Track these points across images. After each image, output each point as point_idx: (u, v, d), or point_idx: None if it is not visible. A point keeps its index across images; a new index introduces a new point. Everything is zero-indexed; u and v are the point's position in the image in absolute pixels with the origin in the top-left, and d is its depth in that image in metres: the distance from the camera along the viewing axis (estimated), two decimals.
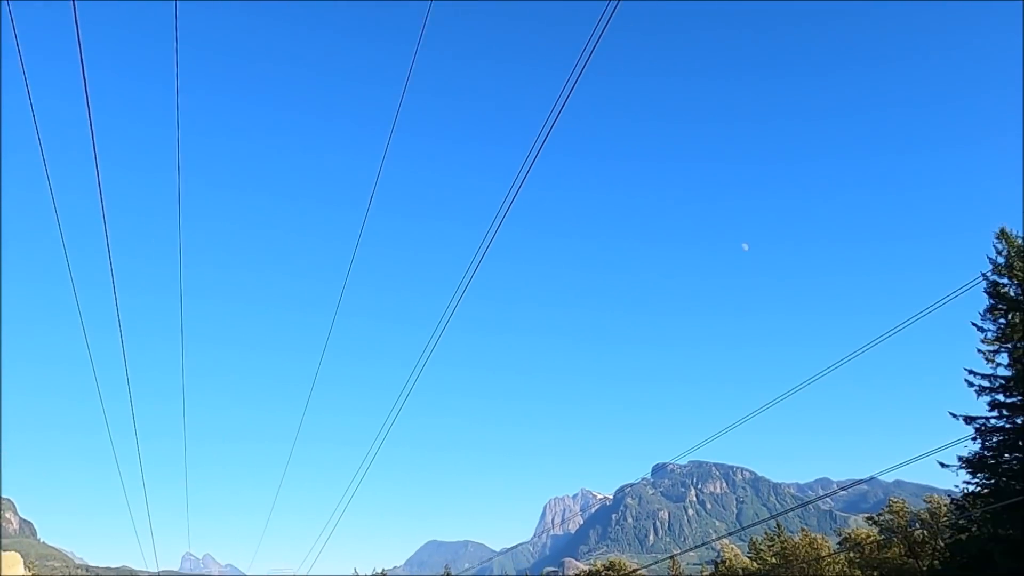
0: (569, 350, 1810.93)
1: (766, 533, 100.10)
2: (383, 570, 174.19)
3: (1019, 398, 44.58)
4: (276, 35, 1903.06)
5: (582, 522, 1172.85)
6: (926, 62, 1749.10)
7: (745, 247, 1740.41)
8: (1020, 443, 44.88)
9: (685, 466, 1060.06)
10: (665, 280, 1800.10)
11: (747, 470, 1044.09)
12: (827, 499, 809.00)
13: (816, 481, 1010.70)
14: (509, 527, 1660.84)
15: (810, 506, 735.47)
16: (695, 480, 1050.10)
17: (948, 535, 60.42)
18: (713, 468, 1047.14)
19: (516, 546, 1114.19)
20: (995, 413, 45.59)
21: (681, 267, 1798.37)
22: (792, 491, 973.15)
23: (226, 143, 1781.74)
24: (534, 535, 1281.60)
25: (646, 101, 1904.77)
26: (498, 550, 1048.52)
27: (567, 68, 11.68)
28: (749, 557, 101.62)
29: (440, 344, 19.02)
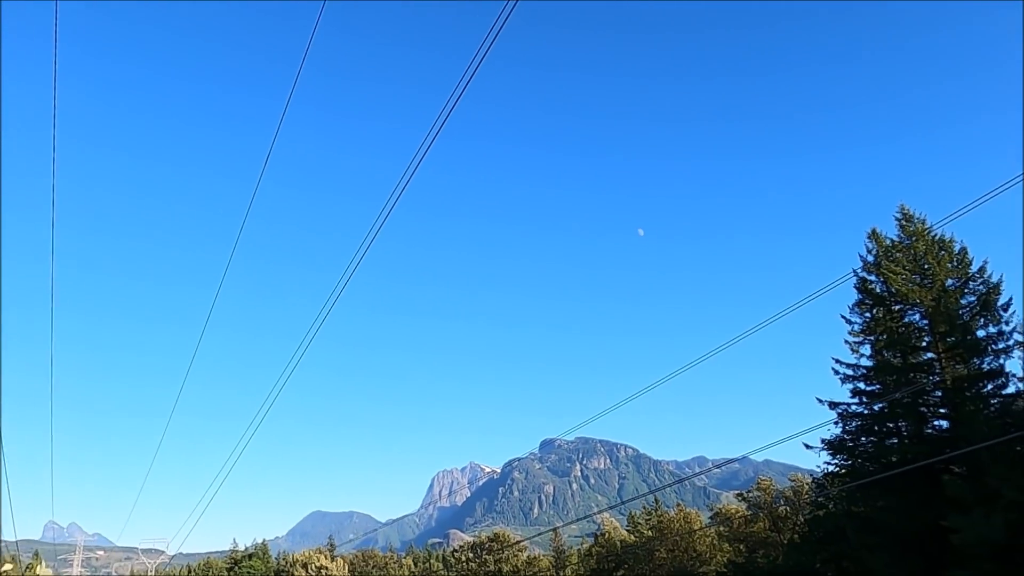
0: (461, 329, 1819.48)
1: (644, 507, 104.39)
2: (263, 540, 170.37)
3: (878, 387, 48.10)
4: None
5: (469, 495, 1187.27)
6: (814, 69, 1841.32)
7: (641, 232, 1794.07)
8: (876, 428, 48.53)
9: (572, 442, 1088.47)
10: (558, 262, 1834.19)
11: (630, 447, 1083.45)
12: (702, 476, 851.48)
13: (693, 459, 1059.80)
14: (396, 499, 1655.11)
15: (687, 482, 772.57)
16: (581, 456, 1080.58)
17: (808, 511, 64.86)
18: (598, 444, 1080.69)
19: (402, 517, 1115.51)
20: (856, 400, 48.97)
21: (574, 250, 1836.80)
22: (671, 468, 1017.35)
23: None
24: (421, 507, 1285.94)
25: (551, 94, 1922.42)
26: (384, 521, 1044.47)
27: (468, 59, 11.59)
28: (627, 530, 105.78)
29: (331, 319, 18.68)
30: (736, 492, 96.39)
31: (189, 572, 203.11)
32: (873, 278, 48.71)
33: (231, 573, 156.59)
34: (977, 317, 45.25)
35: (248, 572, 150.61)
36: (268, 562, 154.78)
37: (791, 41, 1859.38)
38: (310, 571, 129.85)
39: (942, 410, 45.36)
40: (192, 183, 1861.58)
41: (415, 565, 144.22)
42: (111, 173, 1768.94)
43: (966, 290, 46.13)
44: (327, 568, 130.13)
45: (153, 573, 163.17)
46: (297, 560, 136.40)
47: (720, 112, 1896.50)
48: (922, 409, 45.77)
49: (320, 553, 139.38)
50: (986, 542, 33.94)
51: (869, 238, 49.86)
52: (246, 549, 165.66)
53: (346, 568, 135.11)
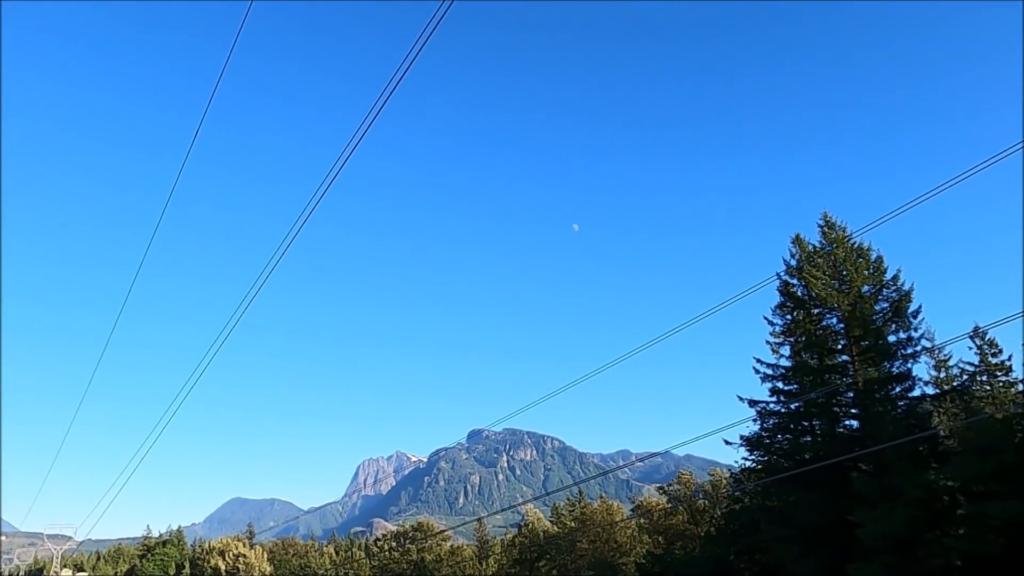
0: (389, 318, 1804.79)
1: (568, 499, 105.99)
2: (179, 527, 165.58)
3: (795, 386, 50.01)
4: None
5: (395, 484, 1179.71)
6: (749, 76, 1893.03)
7: (575, 227, 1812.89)
8: (791, 426, 50.47)
9: (500, 433, 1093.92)
10: (490, 253, 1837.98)
11: (557, 439, 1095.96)
12: (625, 469, 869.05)
13: (618, 452, 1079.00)
14: (320, 487, 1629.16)
15: (610, 475, 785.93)
16: (508, 447, 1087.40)
17: (725, 505, 67.02)
18: (526, 436, 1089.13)
19: (325, 505, 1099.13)
20: (774, 399, 50.81)
21: (507, 242, 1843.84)
22: (596, 461, 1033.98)
23: None
24: (345, 495, 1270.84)
25: (486, 93, 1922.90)
26: (306, 509, 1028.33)
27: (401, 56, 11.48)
28: (551, 521, 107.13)
29: (256, 303, 18.24)
30: (658, 485, 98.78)
31: (98, 559, 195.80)
32: (795, 282, 50.52)
33: (143, 560, 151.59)
34: (889, 323, 47.49)
35: (161, 559, 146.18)
36: (183, 549, 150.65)
37: (729, 48, 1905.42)
38: (227, 559, 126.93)
39: (853, 410, 47.49)
40: (114, 165, 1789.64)
41: (336, 554, 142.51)
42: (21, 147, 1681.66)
43: (880, 297, 48.35)
44: (245, 556, 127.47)
45: (59, 560, 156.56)
46: (214, 547, 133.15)
47: (655, 116, 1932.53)
48: (835, 409, 47.81)
49: (238, 540, 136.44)
50: (888, 536, 35.77)
51: (793, 243, 51.65)
52: (160, 536, 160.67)
53: (265, 556, 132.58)
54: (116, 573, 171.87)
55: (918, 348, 47.24)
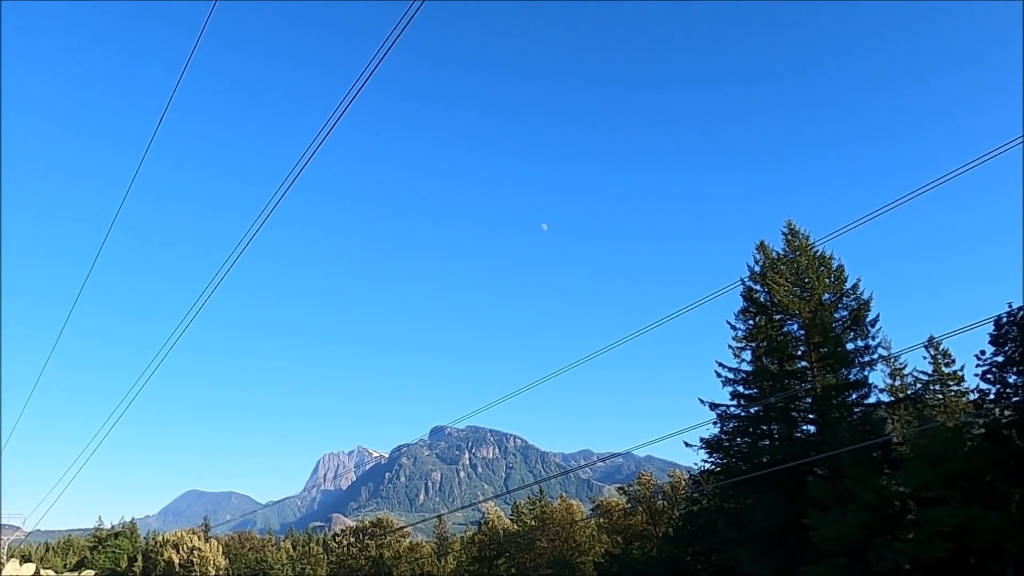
0: (353, 314, 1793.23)
1: (529, 497, 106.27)
2: (132, 519, 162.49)
3: (755, 391, 50.81)
4: None
5: (355, 479, 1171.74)
6: (720, 84, 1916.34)
7: (544, 227, 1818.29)
8: (751, 429, 51.26)
9: (462, 430, 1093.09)
10: (455, 252, 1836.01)
11: (519, 438, 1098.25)
12: (587, 469, 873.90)
13: (579, 452, 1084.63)
14: (278, 481, 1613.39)
15: (572, 475, 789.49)
16: (470, 444, 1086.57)
17: (683, 506, 67.79)
18: (488, 434, 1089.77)
19: (283, 499, 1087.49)
20: (735, 402, 51.60)
21: (472, 241, 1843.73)
22: (557, 460, 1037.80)
23: None
24: (304, 489, 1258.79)
25: (456, 94, 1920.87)
26: (264, 503, 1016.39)
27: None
28: (511, 519, 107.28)
29: (218, 297, 17.97)
30: (618, 486, 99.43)
31: (47, 550, 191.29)
32: (758, 288, 51.27)
33: (94, 552, 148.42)
34: (848, 331, 48.49)
35: (113, 552, 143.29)
36: (136, 542, 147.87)
37: (698, 58, 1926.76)
38: (181, 552, 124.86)
39: (811, 415, 48.40)
40: (72, 157, 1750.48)
41: (294, 549, 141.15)
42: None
43: (840, 305, 49.33)
44: (200, 549, 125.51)
45: (6, 551, 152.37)
46: (168, 540, 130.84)
47: (625, 121, 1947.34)
48: (793, 414, 48.66)
49: (193, 534, 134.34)
50: (841, 539, 36.50)
51: (757, 250, 52.43)
52: (112, 528, 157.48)
53: (220, 550, 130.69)
54: (65, 565, 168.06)
55: (875, 356, 48.32)
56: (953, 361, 56.64)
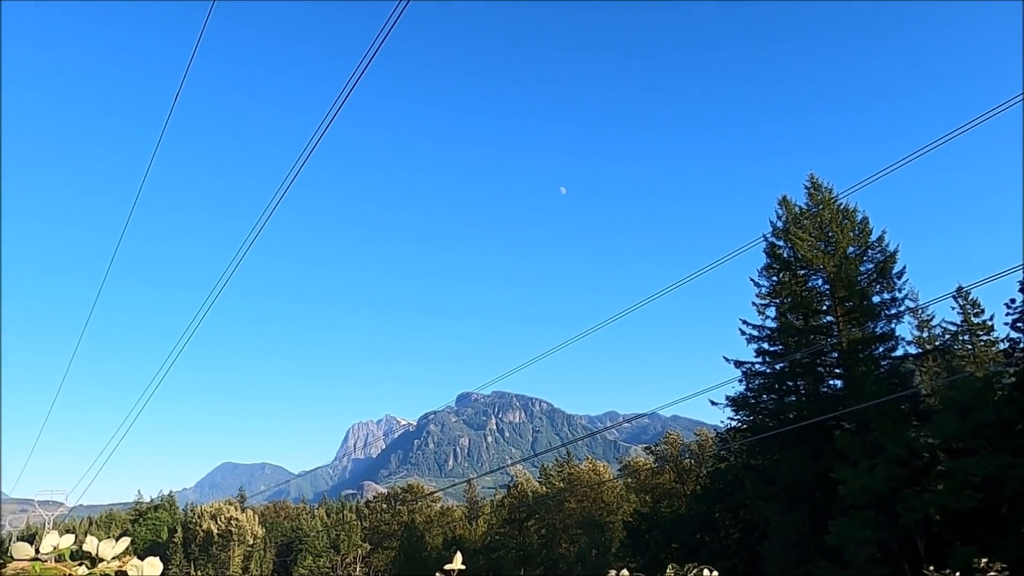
0: (379, 281, 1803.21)
1: (556, 460, 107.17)
2: (170, 492, 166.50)
3: (780, 347, 50.56)
4: None
5: (384, 447, 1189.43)
6: (741, 44, 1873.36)
7: (563, 190, 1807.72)
8: (776, 386, 51.12)
9: (488, 396, 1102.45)
10: (478, 217, 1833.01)
11: (545, 402, 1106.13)
12: (613, 430, 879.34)
13: (605, 414, 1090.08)
14: (310, 451, 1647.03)
15: (598, 437, 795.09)
16: (496, 410, 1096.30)
17: (711, 464, 68.09)
18: (514, 399, 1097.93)
19: (315, 469, 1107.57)
20: (760, 359, 51.43)
21: (495, 206, 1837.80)
22: (584, 422, 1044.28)
23: None
24: (335, 459, 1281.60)
25: (472, 60, 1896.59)
26: (297, 473, 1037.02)
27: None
28: (540, 482, 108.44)
29: (246, 267, 18.14)
30: (645, 446, 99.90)
31: (91, 524, 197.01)
32: (781, 243, 50.69)
33: (135, 525, 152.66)
34: (874, 284, 47.90)
35: (154, 524, 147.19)
36: (175, 514, 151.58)
37: (718, 16, 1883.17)
38: (219, 522, 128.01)
39: (837, 370, 48.10)
40: (96, 128, 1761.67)
41: (328, 516, 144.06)
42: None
43: (865, 258, 48.67)
44: (237, 519, 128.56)
45: (51, 526, 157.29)
46: (206, 511, 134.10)
47: (644, 82, 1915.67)
48: (819, 369, 48.40)
49: (230, 504, 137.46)
50: (869, 492, 36.51)
51: (780, 205, 51.73)
52: (151, 501, 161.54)
53: (256, 519, 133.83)
54: (108, 538, 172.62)
55: (902, 308, 47.78)
56: (982, 311, 55.93)
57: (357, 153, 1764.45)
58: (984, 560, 6.26)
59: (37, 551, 2.29)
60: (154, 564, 2.38)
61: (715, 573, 2.64)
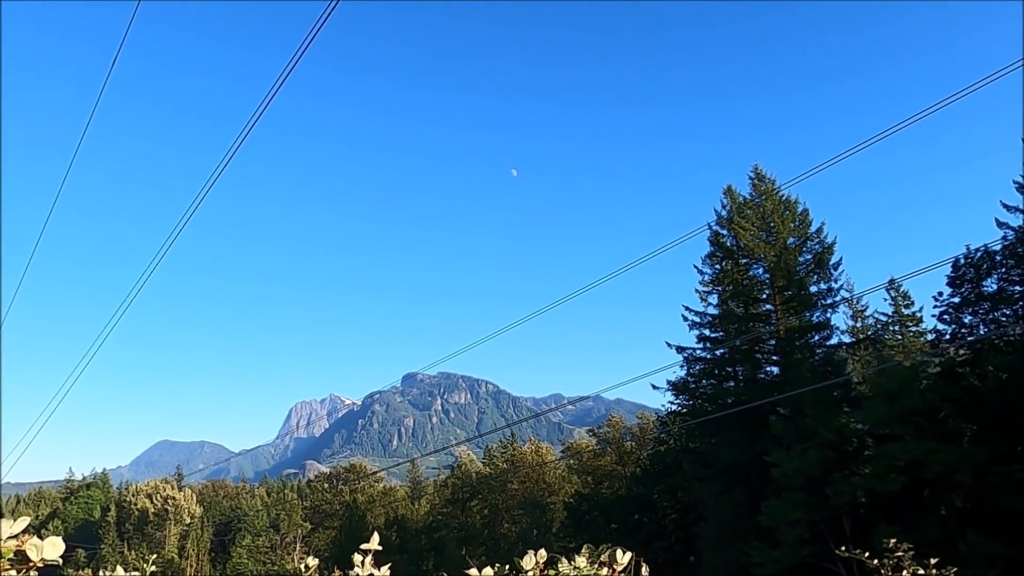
0: (326, 258, 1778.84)
1: (501, 441, 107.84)
2: (104, 470, 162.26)
3: (721, 334, 51.76)
4: None
5: (328, 426, 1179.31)
6: (697, 26, 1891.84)
7: (514, 172, 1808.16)
8: (716, 371, 52.37)
9: (434, 377, 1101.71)
10: (427, 195, 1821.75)
11: (491, 383, 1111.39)
12: (558, 412, 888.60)
13: (551, 396, 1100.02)
14: (251, 429, 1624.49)
15: (543, 418, 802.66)
16: (442, 390, 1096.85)
17: (651, 447, 69.53)
18: (460, 380, 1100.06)
19: (256, 448, 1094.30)
20: (701, 345, 52.58)
21: (445, 184, 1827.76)
22: (529, 404, 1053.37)
23: None
24: (277, 437, 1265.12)
25: (424, 36, 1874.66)
26: (237, 451, 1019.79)
27: None
28: (483, 462, 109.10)
29: (186, 239, 17.62)
30: (588, 428, 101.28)
31: (18, 502, 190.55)
32: (725, 232, 51.69)
33: (66, 504, 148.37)
34: (811, 274, 49.31)
35: (86, 502, 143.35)
36: (108, 492, 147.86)
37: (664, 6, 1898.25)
38: (155, 501, 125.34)
39: (775, 357, 49.49)
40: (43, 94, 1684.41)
41: (268, 495, 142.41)
42: None
43: (804, 248, 50.03)
44: (174, 498, 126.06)
45: None
46: (141, 490, 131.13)
47: (593, 64, 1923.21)
48: (758, 356, 49.72)
49: (166, 483, 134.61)
50: (801, 475, 37.81)
51: (724, 194, 52.70)
52: (84, 479, 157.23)
53: (194, 498, 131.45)
54: (37, 516, 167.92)
55: (837, 299, 49.33)
56: (912, 303, 58.05)
57: (303, 125, 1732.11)
58: (893, 540, 6.54)
59: None
60: (55, 544, 2.30)
61: (628, 554, 2.68)
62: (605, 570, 3.03)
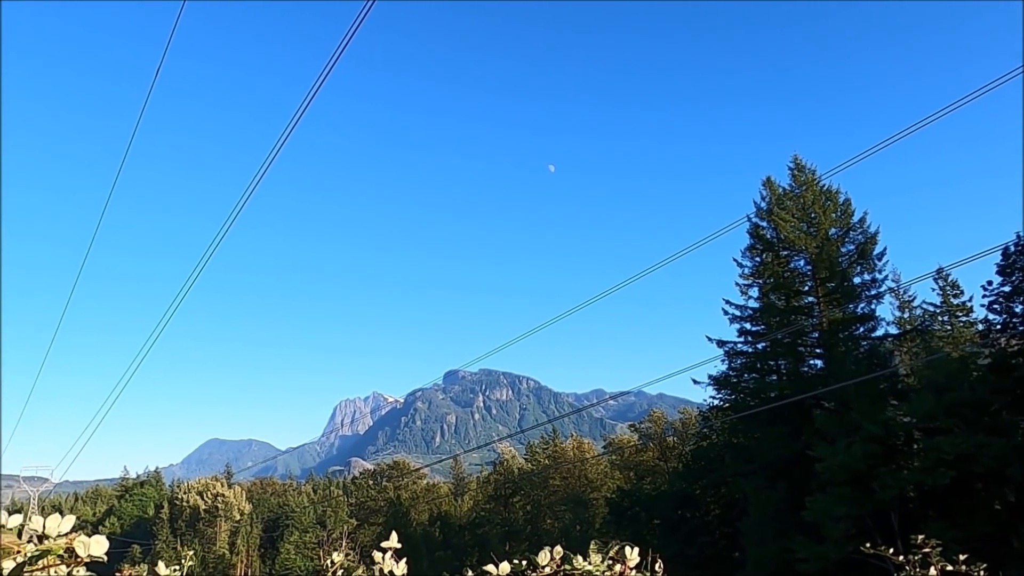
0: (369, 257, 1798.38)
1: (543, 437, 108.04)
2: (157, 468, 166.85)
3: (762, 327, 51.07)
4: None
5: (372, 424, 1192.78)
6: (730, 29, 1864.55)
7: (551, 168, 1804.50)
8: (758, 365, 51.71)
9: (476, 373, 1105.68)
10: (469, 193, 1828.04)
11: (532, 379, 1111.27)
12: (599, 408, 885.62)
13: (592, 392, 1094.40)
14: (297, 427, 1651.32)
15: (585, 414, 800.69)
16: (484, 387, 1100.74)
17: (693, 442, 68.97)
18: (501, 376, 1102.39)
19: (302, 445, 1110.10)
20: (742, 339, 51.95)
21: (486, 182, 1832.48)
22: (570, 400, 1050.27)
23: None
24: (322, 435, 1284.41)
25: (466, 37, 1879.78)
26: (284, 449, 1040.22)
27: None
28: (525, 458, 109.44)
29: (234, 240, 18.11)
30: (630, 423, 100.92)
31: (76, 500, 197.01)
32: (765, 224, 50.98)
33: (121, 501, 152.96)
34: (855, 265, 48.34)
35: (140, 500, 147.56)
36: (161, 490, 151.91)
37: (706, 4, 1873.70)
38: (206, 498, 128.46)
39: (818, 350, 48.71)
40: (84, 93, 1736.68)
41: (314, 492, 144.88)
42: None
43: (847, 239, 49.06)
44: (224, 495, 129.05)
45: (36, 502, 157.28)
46: (192, 487, 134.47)
47: (634, 63, 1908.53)
48: (800, 349, 48.97)
49: (216, 481, 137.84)
50: (846, 469, 37.19)
51: (764, 185, 51.93)
52: (138, 477, 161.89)
53: (243, 495, 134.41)
54: (95, 514, 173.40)
55: (882, 289, 48.33)
56: (961, 292, 56.69)
57: (347, 125, 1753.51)
58: (921, 537, 6.50)
59: None
60: (100, 542, 2.51)
61: (635, 550, 2.80)
62: (617, 566, 3.16)
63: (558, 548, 3.28)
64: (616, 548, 2.91)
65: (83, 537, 2.55)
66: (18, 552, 2.45)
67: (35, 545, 2.48)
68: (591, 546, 2.93)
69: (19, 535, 2.49)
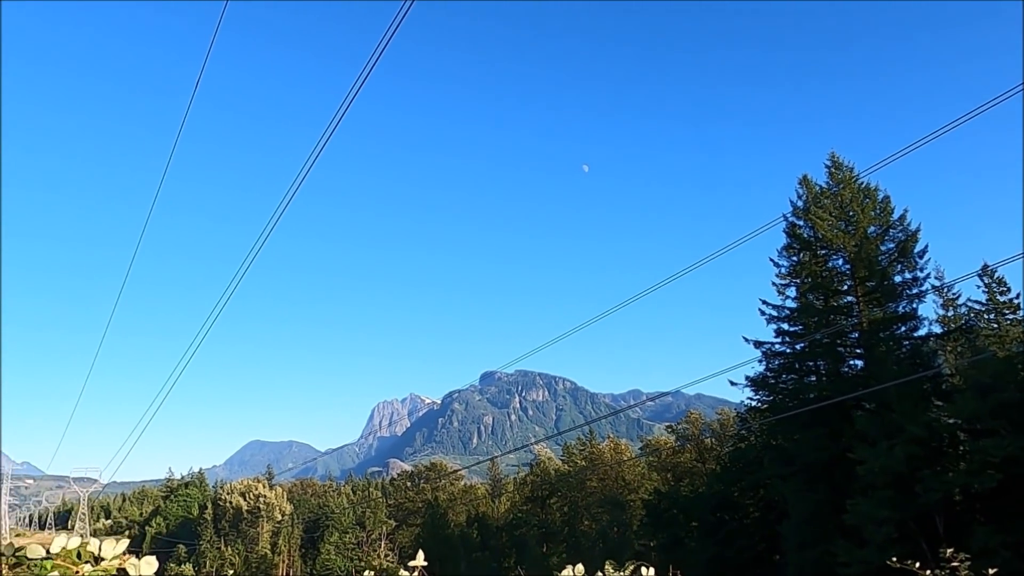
0: (406, 261, 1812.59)
1: (579, 438, 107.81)
2: (200, 469, 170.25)
3: (800, 328, 50.33)
4: None
5: (409, 425, 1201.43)
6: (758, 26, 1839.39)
7: (585, 168, 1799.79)
8: (796, 366, 50.99)
9: (512, 375, 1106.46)
10: (504, 195, 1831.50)
11: (568, 380, 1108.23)
12: (637, 409, 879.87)
13: (629, 392, 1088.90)
14: (336, 429, 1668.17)
15: (622, 415, 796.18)
16: (520, 388, 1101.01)
17: (731, 444, 68.23)
18: (538, 377, 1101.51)
19: (342, 447, 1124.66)
20: (779, 340, 51.26)
21: (521, 184, 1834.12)
22: (607, 401, 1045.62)
23: None
24: (361, 437, 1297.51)
25: (502, 45, 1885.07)
26: (323, 451, 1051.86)
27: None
28: (562, 460, 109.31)
29: (272, 245, 18.55)
30: (667, 424, 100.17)
31: (124, 501, 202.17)
32: (802, 223, 50.25)
33: (167, 502, 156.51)
34: (895, 263, 47.41)
35: (184, 500, 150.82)
36: (205, 491, 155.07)
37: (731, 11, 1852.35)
38: (248, 499, 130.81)
39: (858, 350, 47.86)
40: (124, 106, 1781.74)
41: (354, 493, 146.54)
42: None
43: (886, 237, 48.13)
44: (265, 496, 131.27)
45: (85, 502, 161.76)
46: (235, 488, 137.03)
47: (667, 62, 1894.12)
48: (839, 349, 48.18)
49: (258, 482, 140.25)
50: (888, 472, 36.53)
51: (800, 184, 51.22)
52: (182, 478, 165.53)
53: (284, 496, 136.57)
54: (141, 514, 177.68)
55: (924, 288, 47.31)
56: (1008, 289, 55.07)
57: (384, 132, 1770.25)
58: (951, 550, 6.46)
59: (47, 552, 2.64)
60: (150, 563, 2.72)
61: (651, 570, 2.93)
62: None
63: (580, 567, 3.41)
64: (632, 568, 3.04)
65: (133, 559, 2.77)
66: (77, 573, 2.68)
67: (91, 566, 2.71)
68: (607, 565, 3.06)
69: (78, 556, 2.72)
